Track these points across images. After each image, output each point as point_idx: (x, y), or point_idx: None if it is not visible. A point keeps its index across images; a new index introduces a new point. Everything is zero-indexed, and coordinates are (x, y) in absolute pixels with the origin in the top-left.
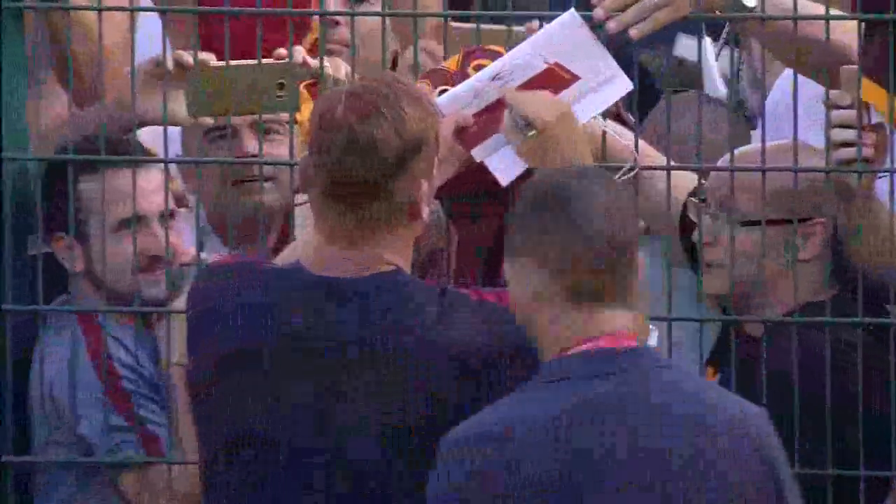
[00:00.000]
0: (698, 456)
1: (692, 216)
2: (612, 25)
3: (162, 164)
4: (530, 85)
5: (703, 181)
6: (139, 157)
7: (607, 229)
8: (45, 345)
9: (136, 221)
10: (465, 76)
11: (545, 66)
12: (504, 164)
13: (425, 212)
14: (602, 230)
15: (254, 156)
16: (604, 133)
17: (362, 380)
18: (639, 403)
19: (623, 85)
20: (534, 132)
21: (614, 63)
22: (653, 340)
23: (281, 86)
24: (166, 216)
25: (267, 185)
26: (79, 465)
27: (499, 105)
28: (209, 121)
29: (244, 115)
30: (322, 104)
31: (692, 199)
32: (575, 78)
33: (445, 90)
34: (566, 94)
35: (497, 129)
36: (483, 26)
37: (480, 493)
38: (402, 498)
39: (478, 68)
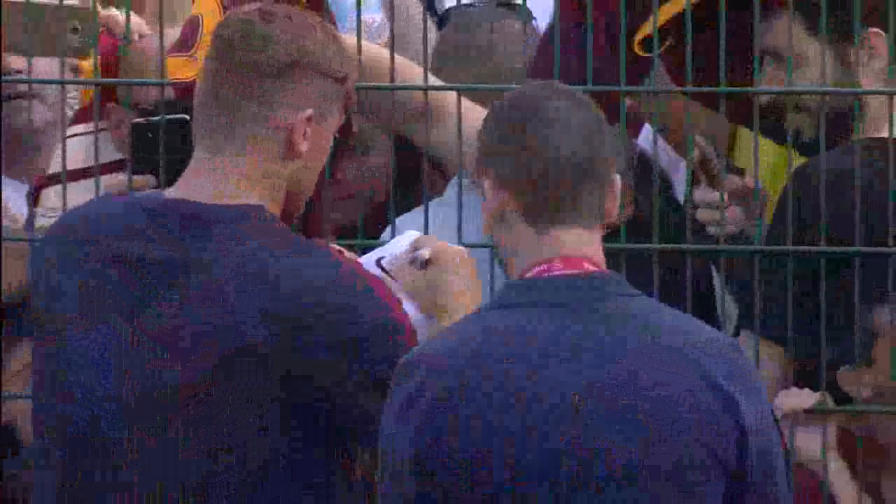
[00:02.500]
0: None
1: None
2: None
3: None
4: None
5: None
6: None
7: (570, 146)
8: None
9: None
10: None
11: None
12: None
13: (303, 147)
14: (564, 146)
15: (19, 72)
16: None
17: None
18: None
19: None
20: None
21: None
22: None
23: (75, 30)
24: None
25: (34, 103)
26: None
27: None
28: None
29: (44, 56)
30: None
31: None
32: None
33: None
34: None
35: None
36: None
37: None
38: None
39: None
